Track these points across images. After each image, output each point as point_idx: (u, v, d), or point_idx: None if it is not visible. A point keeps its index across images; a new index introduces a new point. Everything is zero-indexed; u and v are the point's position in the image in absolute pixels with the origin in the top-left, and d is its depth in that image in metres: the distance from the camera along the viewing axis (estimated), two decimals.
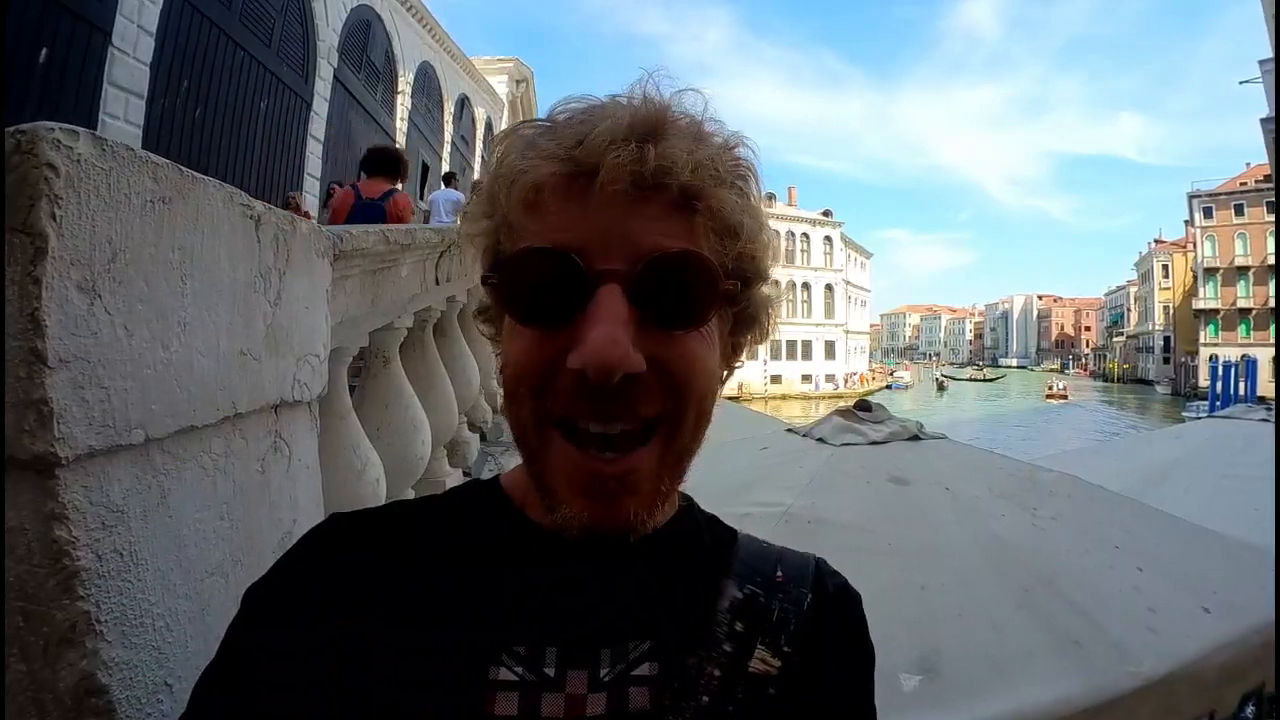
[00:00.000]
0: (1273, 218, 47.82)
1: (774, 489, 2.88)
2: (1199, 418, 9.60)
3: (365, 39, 16.28)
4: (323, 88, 14.50)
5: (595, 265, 0.66)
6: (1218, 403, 30.21)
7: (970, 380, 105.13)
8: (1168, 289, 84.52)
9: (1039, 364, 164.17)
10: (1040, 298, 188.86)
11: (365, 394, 3.03)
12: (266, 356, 1.24)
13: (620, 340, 0.63)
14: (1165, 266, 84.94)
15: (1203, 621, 2.20)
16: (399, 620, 0.68)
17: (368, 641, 0.67)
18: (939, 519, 2.68)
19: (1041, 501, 2.86)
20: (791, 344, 56.75)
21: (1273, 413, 4.92)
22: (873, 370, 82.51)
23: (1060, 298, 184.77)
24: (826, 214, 64.92)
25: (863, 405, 3.44)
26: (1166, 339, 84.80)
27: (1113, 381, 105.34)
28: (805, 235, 61.88)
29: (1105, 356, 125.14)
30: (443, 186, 12.42)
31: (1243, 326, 66.11)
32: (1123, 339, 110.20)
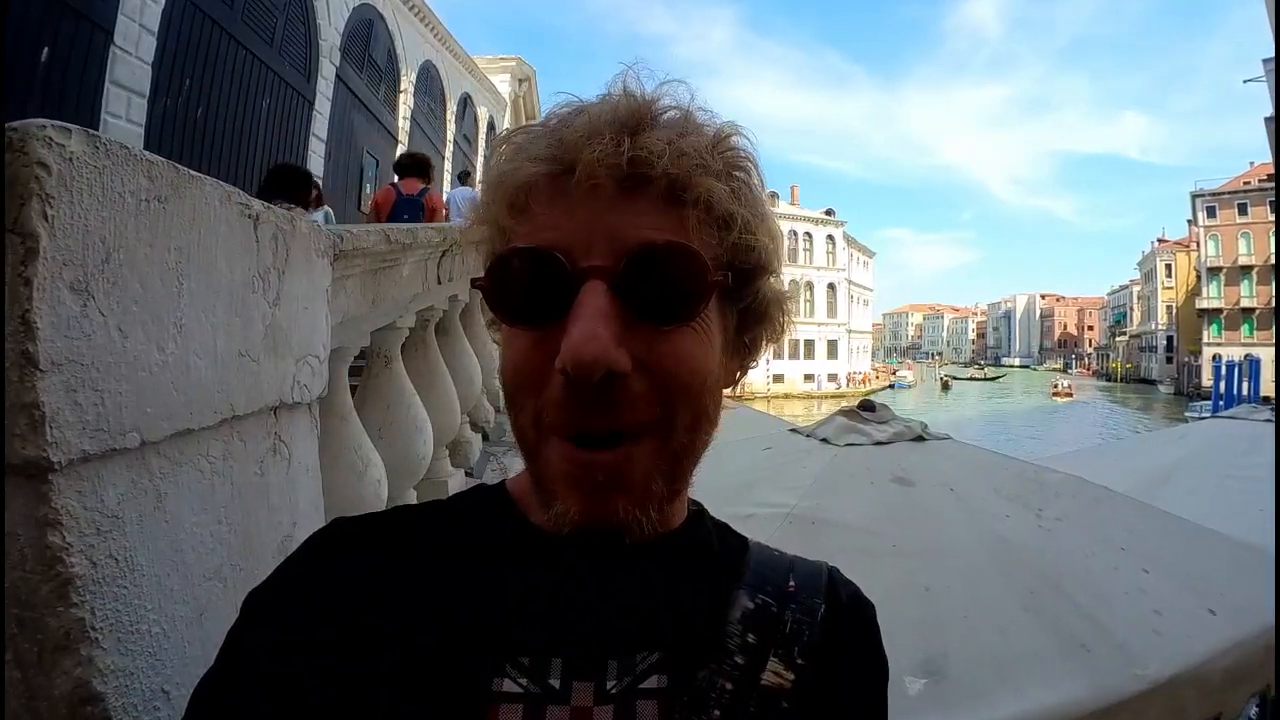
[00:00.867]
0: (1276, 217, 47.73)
1: (777, 490, 2.87)
2: (1202, 418, 9.56)
3: (368, 38, 16.27)
4: (325, 87, 14.49)
5: (579, 263, 0.65)
6: (1221, 403, 30.15)
7: (971, 379, 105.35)
8: (1171, 288, 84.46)
9: (1042, 363, 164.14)
10: (1043, 297, 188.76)
11: (367, 394, 3.02)
12: (265, 358, 1.23)
13: (598, 335, 0.61)
14: (1168, 266, 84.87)
15: (1208, 623, 2.19)
16: (403, 627, 0.67)
17: (370, 650, 0.66)
18: (943, 520, 2.67)
19: (1046, 502, 2.85)
20: (794, 343, 56.68)
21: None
22: (875, 370, 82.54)
23: (1063, 297, 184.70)
24: (829, 213, 64.93)
25: (866, 405, 3.42)
26: (1169, 338, 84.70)
27: (1115, 381, 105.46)
28: (808, 234, 61.89)
29: (1108, 356, 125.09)
30: (457, 185, 12.50)
31: (1246, 326, 66.02)
32: (1125, 338, 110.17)
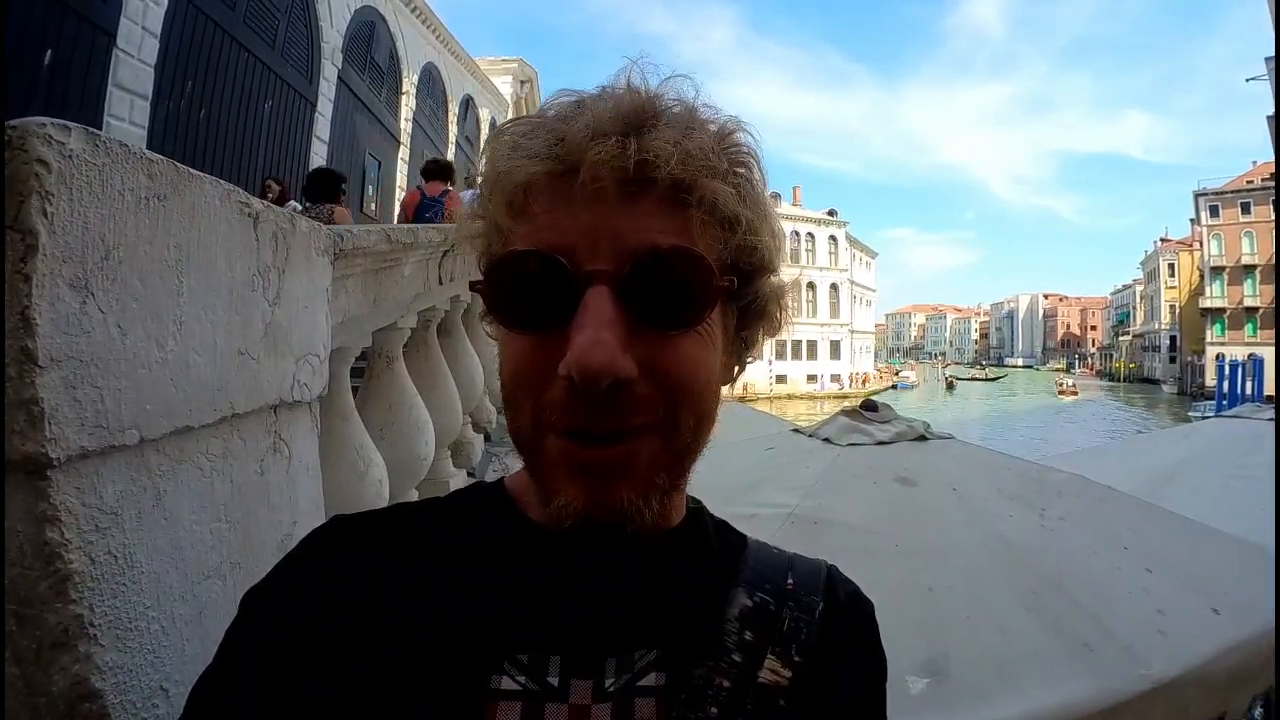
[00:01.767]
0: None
1: (780, 490, 2.87)
2: (1206, 417, 9.54)
3: (369, 40, 16.29)
4: (327, 89, 14.52)
5: (583, 266, 0.64)
6: (1224, 402, 30.08)
7: (972, 380, 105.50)
8: (1174, 288, 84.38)
9: (1045, 363, 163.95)
10: (1046, 297, 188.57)
11: (368, 394, 3.02)
12: (265, 356, 1.23)
13: (606, 343, 0.61)
14: (1171, 265, 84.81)
15: (1212, 623, 2.18)
16: (401, 624, 0.67)
17: (368, 647, 0.65)
18: (946, 520, 2.67)
19: (1050, 502, 2.84)
20: (797, 344, 56.66)
21: None
22: (879, 370, 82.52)
23: (1066, 297, 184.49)
24: (831, 213, 64.90)
25: (869, 405, 3.42)
26: (1172, 338, 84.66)
27: (1119, 381, 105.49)
28: (810, 235, 61.83)
29: (1111, 356, 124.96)
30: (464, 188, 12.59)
31: (1249, 325, 65.96)
32: (1128, 338, 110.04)
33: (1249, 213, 66.00)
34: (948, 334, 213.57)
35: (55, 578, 0.77)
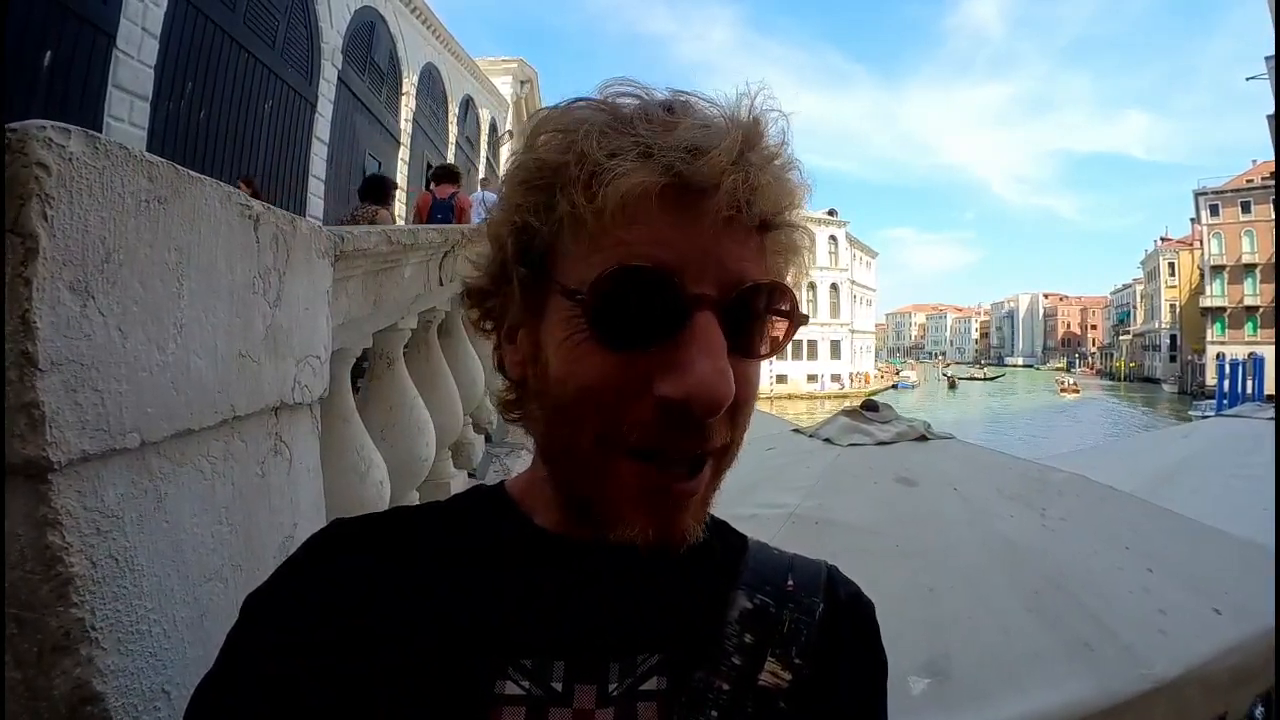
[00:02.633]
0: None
1: (780, 490, 2.88)
2: (1206, 417, 9.55)
3: (369, 40, 16.29)
4: (327, 89, 14.51)
5: (690, 289, 0.62)
6: (1225, 401, 30.07)
7: (971, 379, 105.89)
8: (1174, 287, 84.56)
9: (1045, 363, 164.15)
10: (1046, 296, 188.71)
11: (369, 396, 3.02)
12: (266, 358, 1.23)
13: (729, 374, 0.61)
14: (1171, 264, 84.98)
15: (1214, 623, 2.18)
16: (403, 629, 0.67)
17: (370, 651, 0.65)
18: (947, 520, 2.67)
19: (1050, 502, 2.85)
20: (797, 344, 56.54)
21: None
22: (879, 370, 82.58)
23: (1066, 296, 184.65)
24: (832, 213, 64.93)
25: (869, 405, 3.43)
26: (1173, 337, 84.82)
27: (1119, 380, 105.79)
28: (810, 235, 61.61)
29: (1111, 355, 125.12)
30: (478, 189, 12.73)
31: (1249, 324, 66.07)
32: (1129, 337, 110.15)
33: (1249, 211, 66.14)
34: (948, 333, 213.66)
35: (56, 581, 0.77)
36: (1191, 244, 78.70)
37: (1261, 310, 65.44)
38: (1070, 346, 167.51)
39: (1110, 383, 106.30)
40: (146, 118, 9.78)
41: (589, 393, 0.64)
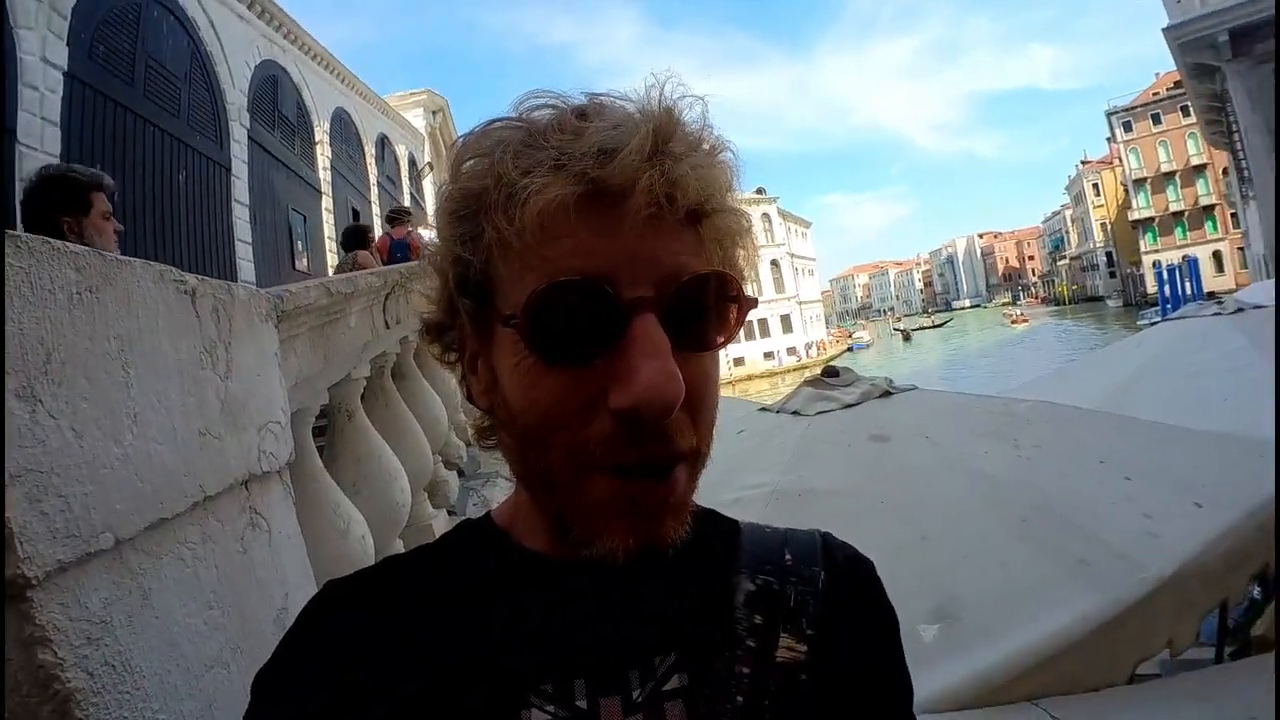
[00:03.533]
0: (1190, 120, 49.18)
1: (758, 470, 2.90)
2: (1153, 323, 9.80)
3: (274, 94, 15.99)
4: (239, 150, 14.22)
5: (625, 293, 0.61)
6: (1168, 306, 30.91)
7: (920, 329, 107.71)
8: (1101, 206, 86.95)
9: (991, 300, 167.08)
10: (981, 236, 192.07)
11: (335, 451, 2.98)
12: (227, 432, 1.20)
13: (676, 374, 0.59)
14: (1095, 185, 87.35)
15: (1198, 517, 2.25)
16: (419, 680, 0.66)
17: (392, 707, 0.64)
18: (926, 468, 2.71)
19: (1021, 432, 2.91)
20: (748, 324, 55.73)
21: (1225, 306, 5.03)
22: (833, 335, 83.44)
23: (1000, 233, 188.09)
24: (760, 192, 65.30)
25: (830, 371, 3.47)
26: (1109, 254, 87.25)
27: (1065, 304, 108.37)
28: (747, 216, 62.01)
29: (1053, 282, 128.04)
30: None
31: (1179, 229, 68.13)
32: (1066, 261, 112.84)
33: (1160, 123, 68.31)
34: (892, 289, 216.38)
35: (56, 700, 0.74)
36: (1111, 162, 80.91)
37: (1188, 213, 67.47)
38: (1012, 281, 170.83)
39: (1056, 308, 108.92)
40: None
41: (547, 416, 0.63)
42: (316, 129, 17.80)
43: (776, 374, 54.99)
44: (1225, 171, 44.83)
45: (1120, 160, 74.17)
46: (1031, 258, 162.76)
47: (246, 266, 13.61)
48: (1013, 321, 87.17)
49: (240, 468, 1.24)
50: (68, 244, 0.87)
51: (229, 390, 1.24)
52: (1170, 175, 68.61)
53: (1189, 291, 32.14)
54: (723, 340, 0.67)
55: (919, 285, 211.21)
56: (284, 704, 0.66)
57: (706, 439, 0.67)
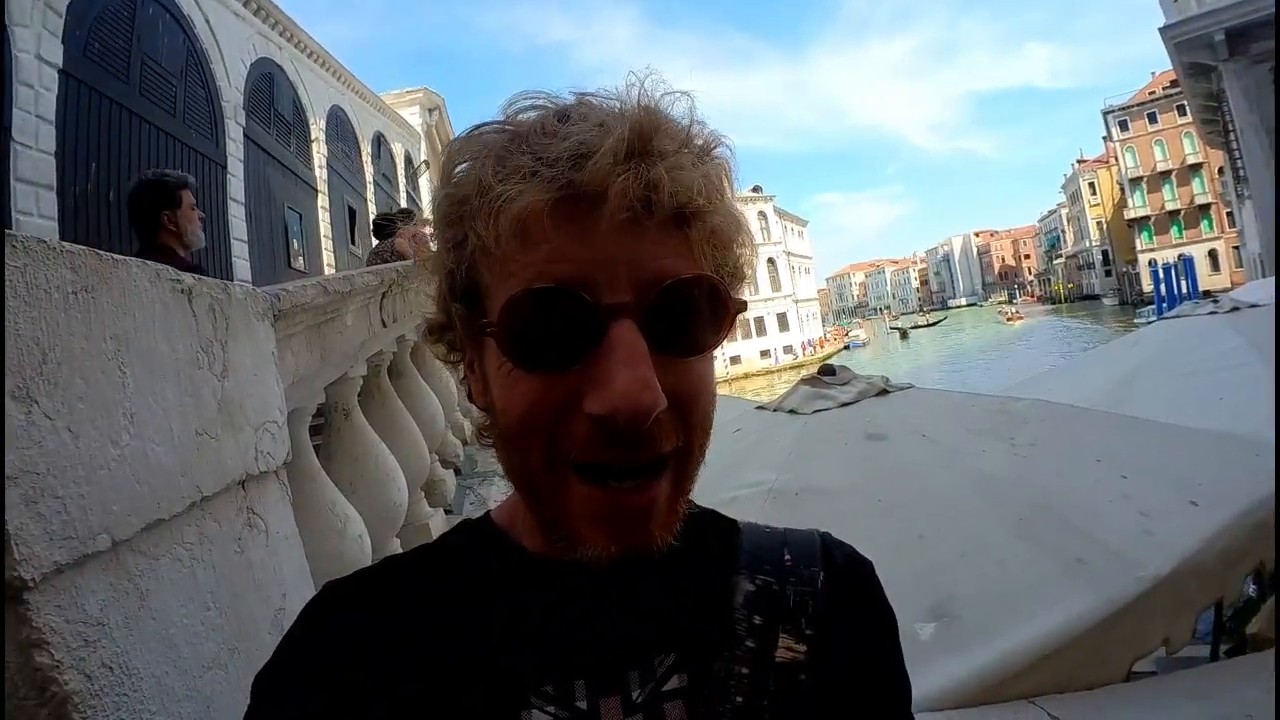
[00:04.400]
0: (1186, 119, 49.27)
1: (755, 468, 2.90)
2: (1150, 322, 9.82)
3: (270, 92, 15.94)
4: (235, 148, 14.17)
5: (603, 299, 0.60)
6: (1164, 305, 30.93)
7: (915, 327, 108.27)
8: (1097, 205, 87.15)
9: (987, 299, 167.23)
10: (977, 234, 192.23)
11: (332, 450, 2.97)
12: (224, 432, 1.20)
13: (652, 383, 0.59)
14: (1092, 184, 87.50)
15: (1194, 515, 2.25)
16: (419, 680, 0.66)
17: (392, 708, 0.65)
18: (923, 467, 2.71)
19: (1017, 431, 2.91)
20: (744, 323, 56.10)
21: (1220, 305, 5.04)
22: (829, 333, 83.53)
23: (997, 231, 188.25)
24: (756, 190, 65.23)
25: (827, 370, 3.47)
26: (1105, 253, 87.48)
27: (1061, 302, 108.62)
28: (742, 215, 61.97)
29: (1049, 280, 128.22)
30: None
31: (1175, 228, 68.31)
32: (1062, 260, 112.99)
33: (1156, 122, 68.51)
34: (889, 287, 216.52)
35: (53, 703, 0.74)
36: (1107, 161, 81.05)
37: (1183, 212, 67.65)
38: (1008, 279, 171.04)
39: (1052, 306, 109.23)
40: (55, 207, 9.47)
41: (526, 419, 0.63)
42: (312, 127, 17.76)
43: (773, 372, 54.98)
44: (1221, 171, 44.93)
45: (1116, 159, 74.40)
46: (1028, 256, 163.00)
47: (242, 265, 13.58)
48: (1008, 319, 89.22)
49: (237, 468, 1.24)
50: (63, 243, 0.87)
51: (226, 390, 1.24)
52: (1166, 174, 68.81)
53: (1185, 290, 32.19)
54: (710, 345, 0.66)
55: (915, 284, 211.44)
56: (284, 705, 0.66)
57: (697, 439, 0.67)
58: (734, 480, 2.80)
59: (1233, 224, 45.00)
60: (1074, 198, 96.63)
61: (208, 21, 13.55)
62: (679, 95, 0.67)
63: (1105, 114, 72.29)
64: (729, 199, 0.69)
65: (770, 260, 63.35)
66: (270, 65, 16.03)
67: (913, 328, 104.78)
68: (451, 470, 4.81)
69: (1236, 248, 48.38)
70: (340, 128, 19.52)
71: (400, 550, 3.06)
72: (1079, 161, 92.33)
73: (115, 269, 0.96)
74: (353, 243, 18.81)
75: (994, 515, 2.40)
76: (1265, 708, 1.77)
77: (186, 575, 1.02)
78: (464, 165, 0.67)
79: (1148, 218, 70.31)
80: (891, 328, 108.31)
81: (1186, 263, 37.43)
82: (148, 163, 11.50)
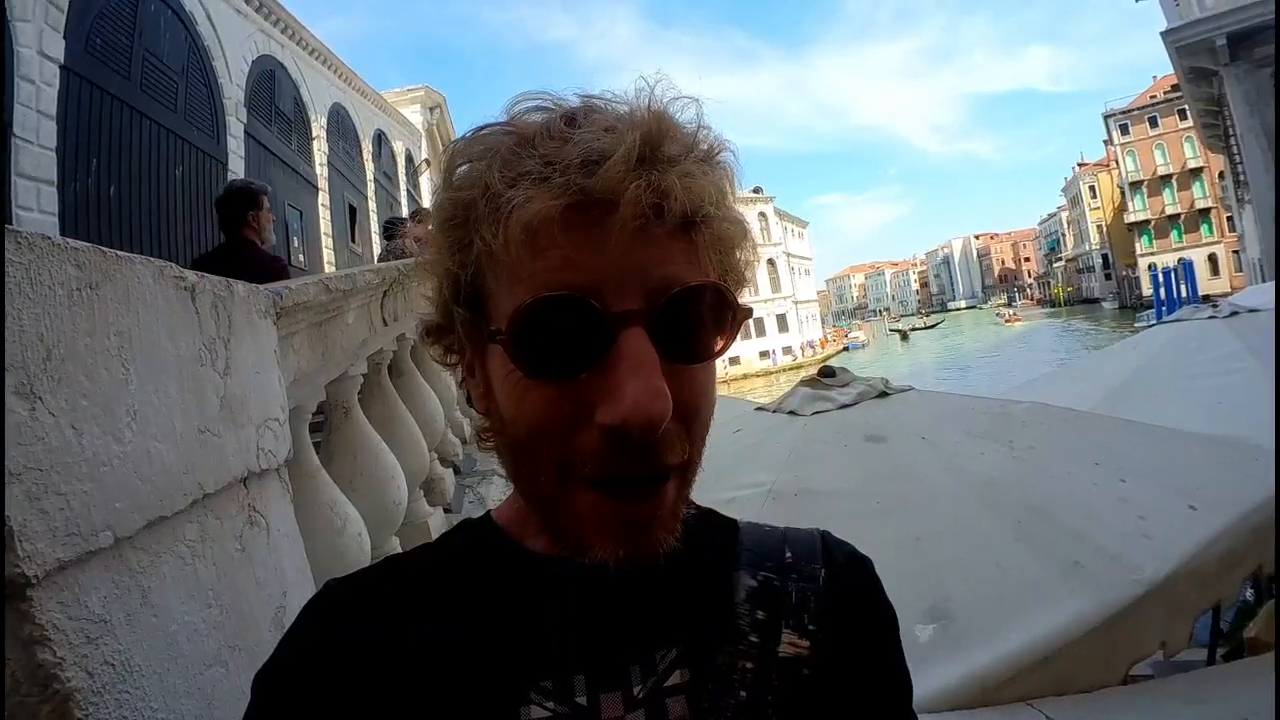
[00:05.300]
0: (1187, 123, 49.32)
1: (755, 469, 2.90)
2: (1150, 325, 9.82)
3: (272, 89, 15.93)
4: (235, 145, 14.16)
5: (612, 307, 0.60)
6: (1164, 309, 30.94)
7: (913, 329, 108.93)
8: (1098, 208, 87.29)
9: (987, 301, 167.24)
10: (977, 237, 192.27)
11: (332, 448, 2.97)
12: (226, 430, 1.20)
13: (663, 391, 0.58)
14: (1092, 187, 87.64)
15: (1192, 519, 2.26)
16: (419, 678, 0.66)
17: (392, 707, 0.65)
18: (922, 469, 2.72)
19: (1016, 434, 2.91)
20: (744, 324, 56.07)
21: (1220, 309, 5.04)
22: (829, 334, 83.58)
23: (997, 234, 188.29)
24: (757, 191, 65.19)
25: (826, 371, 3.47)
26: (1104, 256, 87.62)
27: (1060, 305, 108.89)
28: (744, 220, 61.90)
29: (1048, 283, 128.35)
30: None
31: (1175, 232, 68.41)
32: (1062, 263, 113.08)
33: (1157, 126, 68.62)
34: (888, 289, 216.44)
35: (55, 700, 0.74)
36: (1108, 165, 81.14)
37: (1183, 216, 67.74)
38: (1008, 282, 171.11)
39: (1052, 309, 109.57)
40: (55, 202, 9.46)
41: (535, 428, 0.62)
42: (313, 125, 17.76)
43: (772, 373, 54.97)
44: (1221, 175, 44.98)
45: (1117, 163, 74.49)
46: (1028, 259, 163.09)
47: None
48: (1006, 321, 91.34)
49: (239, 465, 1.24)
50: (67, 240, 0.87)
51: (228, 387, 1.24)
52: (1167, 178, 68.91)
53: (1184, 294, 32.21)
54: (716, 351, 0.66)
55: (915, 286, 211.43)
56: (285, 703, 0.66)
57: (699, 449, 0.67)
58: (733, 481, 2.81)
59: (1233, 228, 45.03)
60: (1074, 201, 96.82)
61: (209, 18, 13.54)
62: (687, 101, 0.67)
63: (1106, 117, 72.41)
64: (733, 204, 0.68)
65: (770, 261, 63.32)
66: (272, 62, 16.03)
67: (912, 329, 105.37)
68: (450, 469, 4.80)
69: (1236, 252, 48.46)
70: (341, 125, 19.52)
71: (400, 548, 3.06)
72: (1079, 165, 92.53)
73: (119, 266, 0.96)
74: (353, 241, 18.81)
75: (993, 518, 2.40)
76: (1262, 712, 1.77)
77: (188, 572, 1.02)
78: (468, 167, 0.66)
79: (1148, 221, 70.40)
80: (892, 330, 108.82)
81: (1186, 267, 37.47)
82: (148, 159, 11.50)
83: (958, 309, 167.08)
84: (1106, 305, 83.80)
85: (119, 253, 0.96)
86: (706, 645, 0.69)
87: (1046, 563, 2.18)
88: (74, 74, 9.84)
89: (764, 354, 59.21)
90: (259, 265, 4.38)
